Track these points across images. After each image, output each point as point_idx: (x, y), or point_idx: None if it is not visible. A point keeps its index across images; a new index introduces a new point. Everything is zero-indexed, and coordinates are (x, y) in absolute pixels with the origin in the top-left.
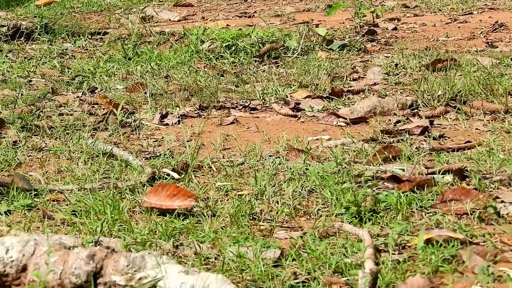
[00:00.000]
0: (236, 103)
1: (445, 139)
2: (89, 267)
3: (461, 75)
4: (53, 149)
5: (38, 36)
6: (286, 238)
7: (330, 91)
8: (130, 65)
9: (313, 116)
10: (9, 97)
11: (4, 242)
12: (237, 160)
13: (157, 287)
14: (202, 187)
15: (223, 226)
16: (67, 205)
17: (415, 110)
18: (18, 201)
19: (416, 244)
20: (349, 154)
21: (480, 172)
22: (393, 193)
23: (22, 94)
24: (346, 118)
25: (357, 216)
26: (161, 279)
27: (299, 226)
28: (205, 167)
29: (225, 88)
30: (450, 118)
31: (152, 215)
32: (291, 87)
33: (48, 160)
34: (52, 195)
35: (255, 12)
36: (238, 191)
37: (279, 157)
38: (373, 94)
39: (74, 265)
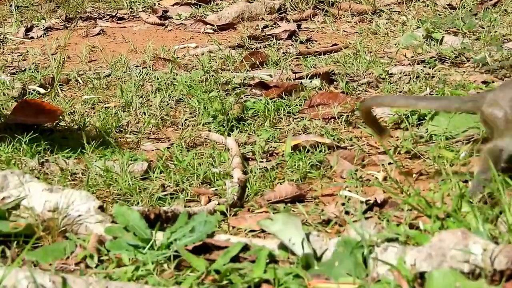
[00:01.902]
0: (103, 13)
1: (313, 43)
2: None
3: None
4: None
5: None
6: (153, 150)
7: None
8: None
9: (181, 24)
10: None
11: None
12: (104, 72)
13: (21, 206)
14: (68, 101)
15: (89, 139)
16: None
17: (283, 14)
18: None
19: (283, 151)
20: (216, 62)
21: (347, 75)
22: (260, 100)
23: None
24: (213, 25)
25: (224, 125)
26: (25, 198)
27: (166, 137)
28: (71, 81)
29: None
30: (318, 21)
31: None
32: None
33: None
34: None
35: None
36: (105, 104)
37: (146, 67)
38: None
39: None
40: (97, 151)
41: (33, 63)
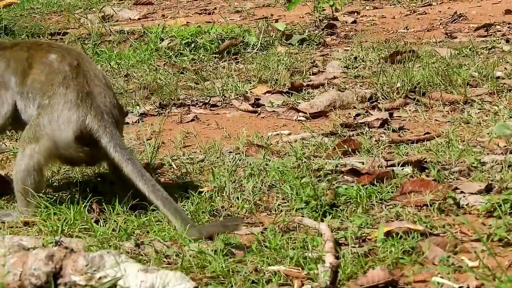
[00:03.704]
0: (196, 100)
1: (405, 131)
2: (48, 267)
3: (420, 66)
4: (13, 150)
5: None
6: (247, 234)
7: (290, 86)
8: None
9: (273, 111)
10: None
11: None
12: (197, 157)
13: (117, 286)
14: (163, 185)
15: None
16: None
17: (375, 103)
18: None
19: (376, 237)
20: (309, 149)
21: (439, 163)
22: (352, 186)
23: None
24: (306, 113)
25: (317, 210)
26: (121, 278)
27: (260, 221)
28: (165, 165)
29: (185, 85)
30: (410, 110)
31: (112, 214)
32: (250, 83)
33: (9, 162)
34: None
35: (215, 8)
36: (198, 188)
37: (239, 153)
38: (333, 88)
39: (33, 266)
40: None
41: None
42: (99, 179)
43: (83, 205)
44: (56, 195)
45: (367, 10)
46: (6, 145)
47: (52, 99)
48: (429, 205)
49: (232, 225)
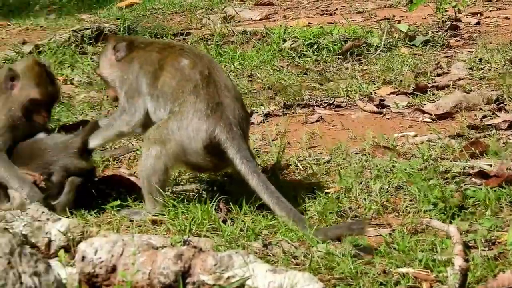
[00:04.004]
0: (320, 101)
1: None
2: (177, 266)
3: None
4: (140, 150)
5: None
6: (375, 236)
7: (415, 87)
8: None
9: (398, 112)
10: (95, 99)
11: (93, 243)
12: (323, 158)
13: (245, 286)
14: (289, 185)
15: (311, 224)
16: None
17: (501, 105)
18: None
19: (506, 240)
20: (436, 151)
21: None
22: (481, 189)
23: (107, 97)
24: (431, 114)
25: (445, 212)
26: (249, 278)
27: (388, 223)
28: (291, 166)
29: (309, 86)
30: None
31: (239, 214)
32: (375, 84)
33: (136, 161)
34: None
35: (336, 9)
36: (325, 189)
37: (365, 155)
38: (458, 90)
39: (162, 265)
40: None
41: (254, 148)
42: (225, 178)
43: (211, 205)
44: (184, 194)
45: (490, 11)
46: (133, 144)
47: (182, 106)
48: None
49: (357, 228)
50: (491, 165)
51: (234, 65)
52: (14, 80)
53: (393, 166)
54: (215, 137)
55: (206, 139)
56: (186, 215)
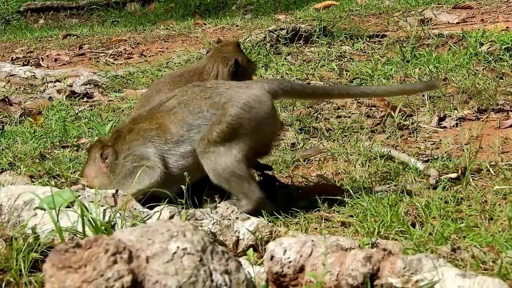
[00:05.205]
0: None
1: None
2: (366, 268)
3: None
4: (331, 151)
5: (317, 39)
6: None
7: None
8: (408, 67)
9: None
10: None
11: (282, 243)
12: None
13: None
14: (479, 190)
15: (501, 230)
16: (344, 206)
17: None
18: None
19: None
20: None
21: None
22: None
23: None
24: None
25: None
26: (438, 282)
27: None
28: (483, 171)
29: (504, 91)
30: None
31: (428, 217)
32: None
33: (326, 162)
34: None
35: None
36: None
37: None
38: None
39: (351, 266)
40: (509, 240)
41: (445, 152)
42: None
43: (401, 208)
44: (375, 196)
45: None
46: (323, 145)
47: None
48: None
49: None
50: None
51: (429, 68)
52: None
53: None
54: None
55: None
56: (375, 217)
